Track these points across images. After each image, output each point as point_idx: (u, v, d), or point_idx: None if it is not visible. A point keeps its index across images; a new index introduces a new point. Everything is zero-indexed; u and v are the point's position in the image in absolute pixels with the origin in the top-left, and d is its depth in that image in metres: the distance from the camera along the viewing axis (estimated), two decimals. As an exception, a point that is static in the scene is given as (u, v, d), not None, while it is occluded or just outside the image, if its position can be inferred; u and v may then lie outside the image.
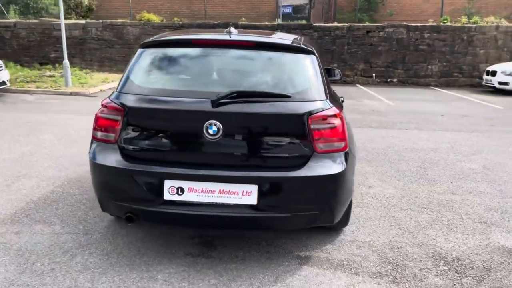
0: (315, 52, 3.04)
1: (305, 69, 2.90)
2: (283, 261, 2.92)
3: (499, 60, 14.49)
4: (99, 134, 2.82)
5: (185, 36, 3.28)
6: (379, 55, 15.07)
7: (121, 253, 2.98)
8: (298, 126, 2.62)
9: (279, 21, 17.28)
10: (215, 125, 2.55)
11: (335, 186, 2.70)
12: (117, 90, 2.86)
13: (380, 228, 3.43)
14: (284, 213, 2.63)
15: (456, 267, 2.88)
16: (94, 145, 2.84)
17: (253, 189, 2.57)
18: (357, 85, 14.77)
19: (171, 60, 3.03)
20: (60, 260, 2.88)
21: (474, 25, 14.69)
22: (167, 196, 2.61)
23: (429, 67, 14.99)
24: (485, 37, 14.65)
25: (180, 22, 15.90)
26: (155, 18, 16.46)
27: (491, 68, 13.40)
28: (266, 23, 16.26)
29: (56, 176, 4.57)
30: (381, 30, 14.96)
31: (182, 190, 2.60)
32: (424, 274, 2.79)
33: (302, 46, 3.00)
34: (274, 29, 14.71)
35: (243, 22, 16.05)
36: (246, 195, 2.58)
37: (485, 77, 13.52)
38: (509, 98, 11.87)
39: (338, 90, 4.06)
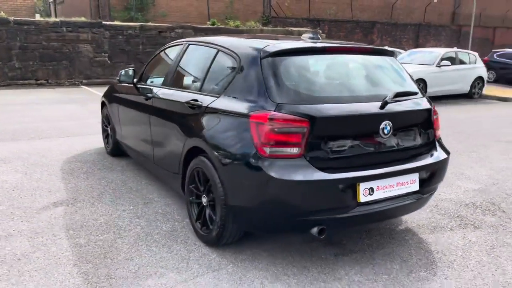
0: None
1: (403, 68, 3.44)
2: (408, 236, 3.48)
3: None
4: (277, 149, 2.60)
5: (319, 44, 3.22)
6: (173, 54, 15.55)
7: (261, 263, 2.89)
8: (428, 118, 3.19)
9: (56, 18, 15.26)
10: (388, 125, 2.86)
11: (447, 165, 3.37)
12: (278, 102, 2.65)
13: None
14: (429, 193, 3.20)
15: None
16: (268, 162, 2.58)
17: (416, 177, 2.98)
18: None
19: (313, 67, 3.04)
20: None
21: (247, 28, 17.05)
22: (362, 198, 2.73)
23: (217, 65, 16.55)
24: (256, 39, 17.28)
25: None
26: None
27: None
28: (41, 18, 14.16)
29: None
30: (172, 31, 15.45)
31: (373, 190, 2.78)
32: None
33: (391, 50, 3.56)
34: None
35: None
36: (412, 183, 2.97)
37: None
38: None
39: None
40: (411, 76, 3.37)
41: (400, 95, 2.95)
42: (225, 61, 3.24)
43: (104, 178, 4.61)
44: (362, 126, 2.80)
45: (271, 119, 2.57)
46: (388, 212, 2.89)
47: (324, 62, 3.12)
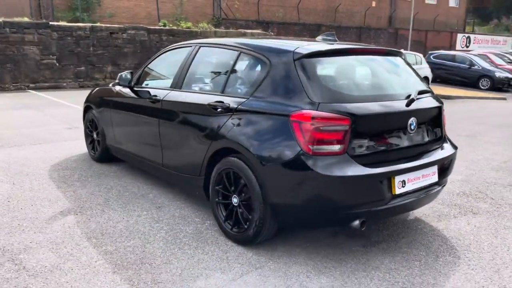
0: None
1: (412, 67, 3.71)
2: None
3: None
4: (324, 148, 2.73)
5: (344, 46, 3.37)
6: (125, 56, 15.13)
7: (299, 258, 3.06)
8: (439, 115, 3.47)
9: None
10: (414, 121, 3.11)
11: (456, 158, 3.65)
12: (319, 102, 2.77)
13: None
14: (443, 185, 3.47)
15: None
16: (314, 160, 2.70)
17: (435, 169, 3.24)
18: (110, 88, 14.41)
19: (342, 67, 3.21)
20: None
21: (200, 30, 16.99)
22: (397, 191, 2.94)
23: (171, 67, 16.33)
24: (209, 40, 17.26)
25: None
26: None
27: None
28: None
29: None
30: (123, 32, 15.02)
31: (405, 183, 3.00)
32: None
33: (402, 51, 3.83)
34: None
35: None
36: (433, 175, 3.24)
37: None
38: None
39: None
40: (418, 74, 3.63)
41: (420, 93, 3.19)
42: (251, 63, 3.31)
43: (101, 184, 4.46)
44: (394, 123, 3.00)
45: (314, 118, 2.68)
46: (415, 203, 3.11)
47: (350, 63, 3.27)
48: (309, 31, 24.24)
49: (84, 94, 6.08)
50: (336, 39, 3.52)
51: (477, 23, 39.53)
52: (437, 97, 3.51)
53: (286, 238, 3.28)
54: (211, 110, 3.32)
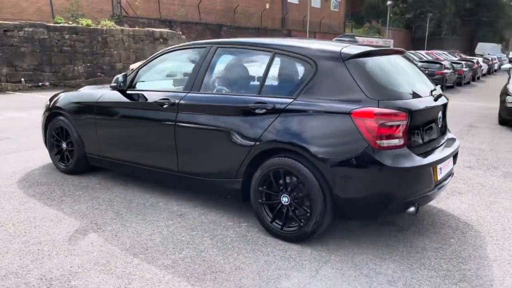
0: None
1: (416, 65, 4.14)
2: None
3: (129, 59, 16.67)
4: (389, 142, 2.93)
5: (381, 47, 3.59)
6: (23, 57, 13.61)
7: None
8: (446, 109, 3.84)
9: None
10: (441, 114, 3.53)
11: None
12: (378, 99, 2.98)
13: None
14: (453, 172, 3.94)
15: None
16: (381, 154, 2.89)
17: (451, 158, 3.63)
18: (8, 92, 12.88)
19: (383, 66, 3.43)
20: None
21: (106, 28, 15.99)
22: (438, 177, 3.28)
23: (76, 68, 15.11)
24: (115, 39, 16.34)
25: None
26: None
27: (134, 66, 15.39)
28: None
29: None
30: (20, 30, 13.48)
31: (441, 170, 3.37)
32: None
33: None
34: None
35: None
36: (450, 163, 3.62)
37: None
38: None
39: None
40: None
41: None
42: (290, 65, 3.38)
43: (96, 198, 4.10)
44: (431, 116, 3.35)
45: (377, 115, 2.88)
46: (443, 188, 3.50)
47: (387, 62, 3.44)
48: (211, 31, 24.38)
49: None
50: (357, 41, 3.76)
51: (354, 26, 43.65)
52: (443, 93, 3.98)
53: (328, 232, 3.40)
54: (249, 111, 3.31)
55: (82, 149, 4.61)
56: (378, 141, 2.88)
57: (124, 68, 16.76)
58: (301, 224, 3.17)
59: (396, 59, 3.61)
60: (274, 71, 3.46)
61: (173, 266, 2.88)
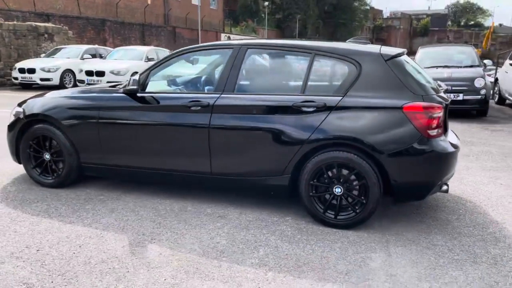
0: None
1: None
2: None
3: (10, 58, 14.79)
4: (436, 131, 3.37)
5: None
6: None
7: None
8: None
9: None
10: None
11: None
12: (422, 94, 3.37)
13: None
14: None
15: None
16: (432, 142, 3.33)
17: None
18: None
19: (411, 66, 3.80)
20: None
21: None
22: None
23: None
24: (-7, 34, 14.34)
25: None
26: None
27: (23, 65, 13.74)
28: None
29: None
30: None
31: None
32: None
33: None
34: None
35: None
36: None
37: (18, 74, 13.72)
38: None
39: None
40: None
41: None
42: (332, 65, 3.63)
43: (114, 209, 3.82)
44: (447, 109, 3.91)
45: (425, 108, 3.33)
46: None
47: (411, 62, 3.84)
48: (94, 27, 22.80)
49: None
50: (369, 42, 4.12)
51: (232, 25, 44.84)
52: None
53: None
54: (295, 110, 3.49)
55: (75, 158, 4.19)
56: (429, 131, 3.33)
57: (5, 67, 14.85)
58: (357, 211, 3.47)
59: (408, 59, 4.12)
60: (316, 71, 3.67)
61: (265, 264, 2.93)
